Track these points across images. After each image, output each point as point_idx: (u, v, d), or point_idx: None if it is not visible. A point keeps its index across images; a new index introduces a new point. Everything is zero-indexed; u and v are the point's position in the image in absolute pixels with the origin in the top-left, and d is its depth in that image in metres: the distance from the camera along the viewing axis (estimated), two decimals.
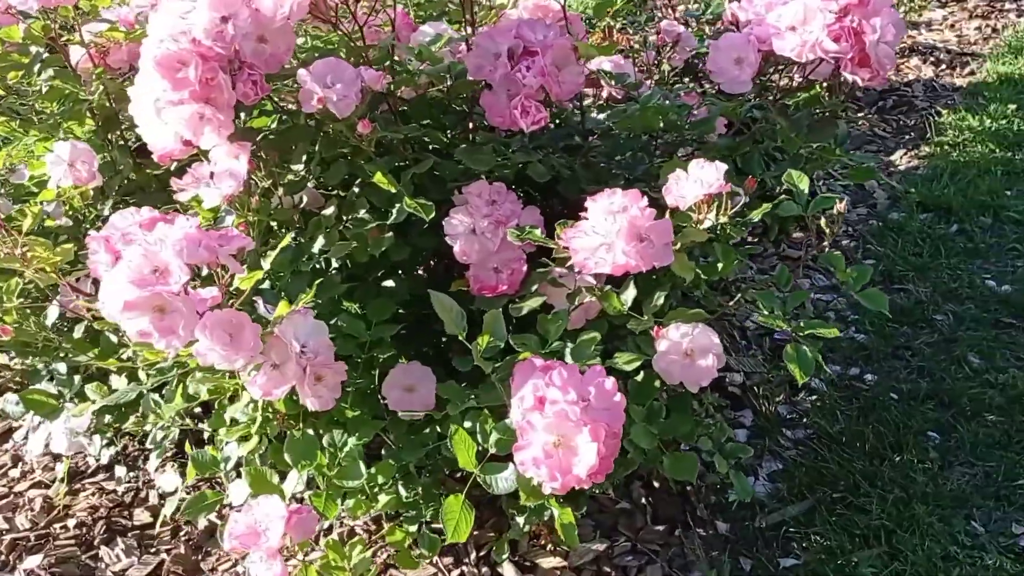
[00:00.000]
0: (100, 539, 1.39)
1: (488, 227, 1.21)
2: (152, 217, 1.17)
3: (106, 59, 1.49)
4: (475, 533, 1.31)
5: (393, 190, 1.16)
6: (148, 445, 1.28)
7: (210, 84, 1.11)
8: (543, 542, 1.29)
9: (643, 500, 1.35)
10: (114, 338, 1.33)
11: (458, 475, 1.33)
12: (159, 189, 1.52)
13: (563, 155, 1.37)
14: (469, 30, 1.38)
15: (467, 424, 1.11)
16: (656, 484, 1.36)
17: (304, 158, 1.27)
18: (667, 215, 1.08)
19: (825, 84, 1.33)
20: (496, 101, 1.23)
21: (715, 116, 1.30)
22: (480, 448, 0.99)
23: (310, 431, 1.08)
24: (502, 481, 0.97)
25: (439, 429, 1.14)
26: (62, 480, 1.47)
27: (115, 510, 1.44)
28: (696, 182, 1.06)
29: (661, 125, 1.34)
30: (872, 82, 1.19)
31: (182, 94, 1.11)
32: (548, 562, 1.26)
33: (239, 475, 1.16)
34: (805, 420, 1.48)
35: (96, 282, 1.31)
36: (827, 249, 1.10)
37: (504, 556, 1.21)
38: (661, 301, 1.11)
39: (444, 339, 1.40)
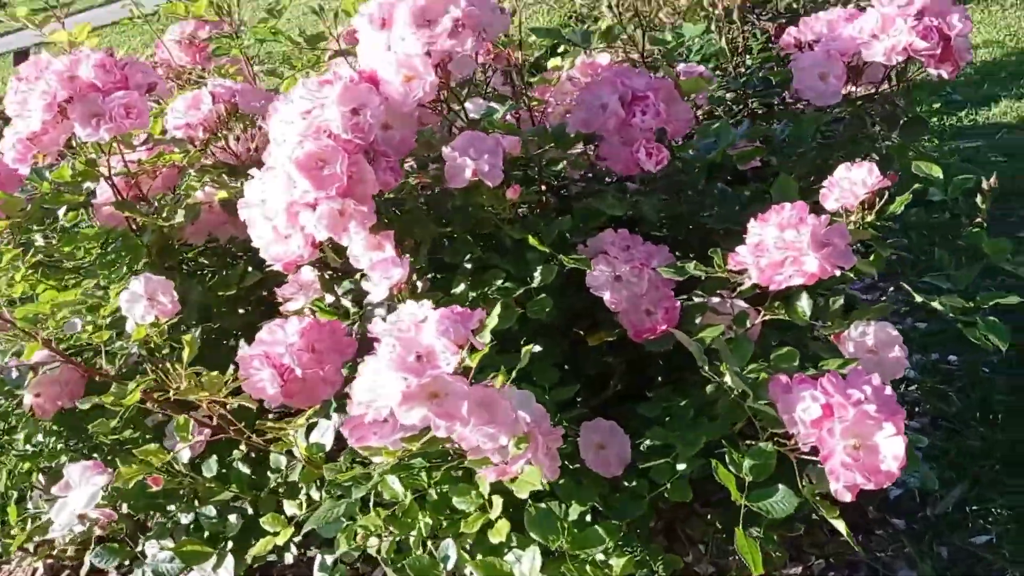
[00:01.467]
0: None
1: (631, 271, 1.21)
2: (312, 323, 1.11)
3: (140, 188, 1.43)
4: None
5: (546, 251, 1.15)
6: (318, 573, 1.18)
7: (354, 178, 1.08)
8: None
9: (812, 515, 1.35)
10: (246, 468, 1.25)
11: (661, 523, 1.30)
12: (231, 312, 1.45)
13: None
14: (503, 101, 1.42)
15: (682, 467, 1.10)
16: None
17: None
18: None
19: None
20: (612, 150, 1.25)
21: (808, 130, 1.35)
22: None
23: (542, 505, 1.03)
24: (778, 505, 0.96)
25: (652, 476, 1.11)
26: None
27: None
28: (858, 183, 1.10)
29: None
30: (952, 75, 1.27)
31: (327, 191, 1.07)
32: None
33: None
34: (918, 408, 1.53)
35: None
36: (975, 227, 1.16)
37: None
38: (840, 303, 1.14)
39: (578, 399, 1.38)
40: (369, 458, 1.10)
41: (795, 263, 1.06)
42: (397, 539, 1.10)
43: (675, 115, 1.24)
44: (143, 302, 1.28)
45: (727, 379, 0.98)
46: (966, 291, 1.12)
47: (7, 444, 1.27)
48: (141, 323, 1.27)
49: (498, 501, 1.00)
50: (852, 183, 1.11)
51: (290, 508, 1.14)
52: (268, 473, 1.24)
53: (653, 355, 1.33)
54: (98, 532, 1.15)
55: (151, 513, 1.25)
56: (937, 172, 1.17)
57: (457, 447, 1.02)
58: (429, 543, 1.10)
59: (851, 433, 0.87)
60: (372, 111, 1.08)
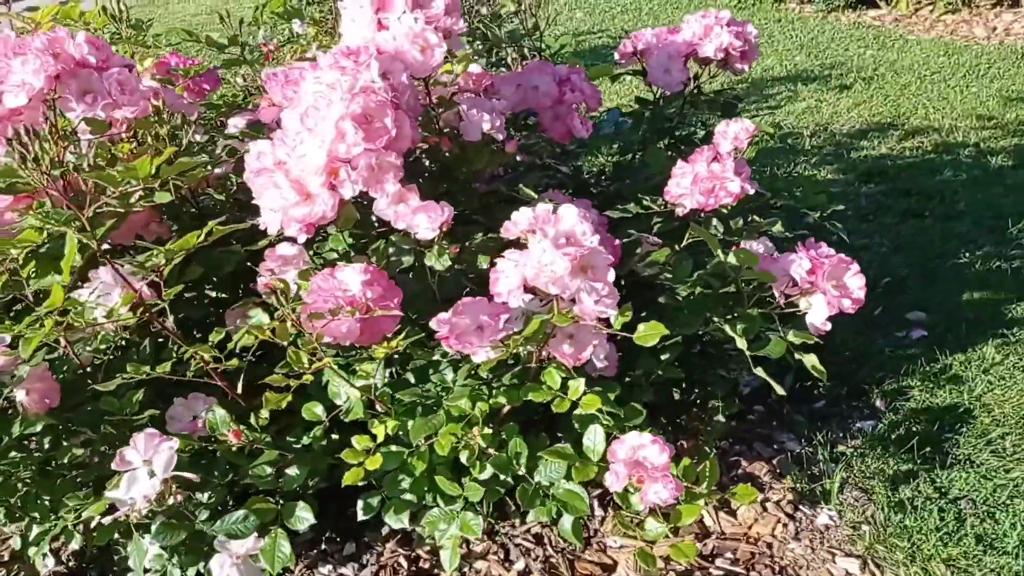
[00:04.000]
0: None
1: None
2: (371, 265, 1.21)
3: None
4: None
5: (534, 195, 1.38)
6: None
7: (397, 132, 1.22)
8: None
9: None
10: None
11: None
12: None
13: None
14: None
15: (666, 356, 1.38)
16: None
17: None
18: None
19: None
20: (549, 122, 1.52)
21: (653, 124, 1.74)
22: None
23: (598, 388, 1.24)
24: (773, 349, 1.28)
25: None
26: None
27: None
28: (741, 131, 1.49)
29: None
30: (748, 69, 1.75)
31: (377, 143, 1.20)
32: None
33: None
34: None
35: None
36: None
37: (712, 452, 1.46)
38: (741, 223, 1.52)
39: None
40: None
41: (722, 188, 1.42)
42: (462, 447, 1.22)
43: (592, 94, 1.55)
44: (116, 289, 1.26)
45: (730, 259, 1.29)
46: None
47: None
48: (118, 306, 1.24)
49: (579, 382, 1.19)
50: (737, 131, 1.50)
51: (360, 444, 1.20)
52: (288, 437, 1.28)
53: None
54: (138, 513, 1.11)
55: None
56: (770, 129, 1.62)
57: (531, 351, 1.21)
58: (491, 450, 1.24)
59: (831, 276, 1.23)
60: (405, 75, 1.24)
